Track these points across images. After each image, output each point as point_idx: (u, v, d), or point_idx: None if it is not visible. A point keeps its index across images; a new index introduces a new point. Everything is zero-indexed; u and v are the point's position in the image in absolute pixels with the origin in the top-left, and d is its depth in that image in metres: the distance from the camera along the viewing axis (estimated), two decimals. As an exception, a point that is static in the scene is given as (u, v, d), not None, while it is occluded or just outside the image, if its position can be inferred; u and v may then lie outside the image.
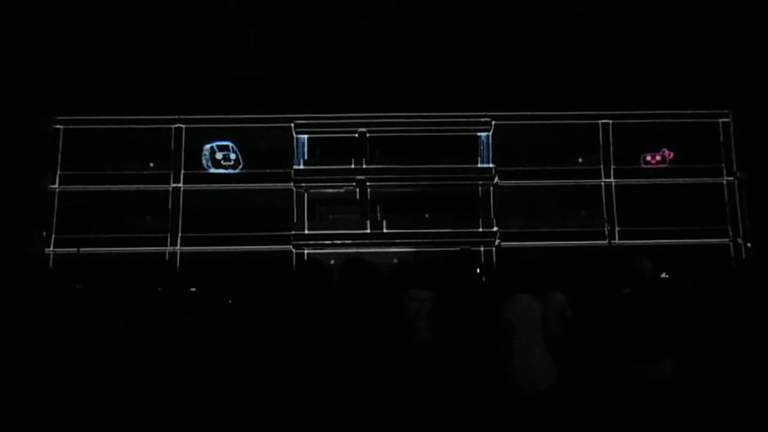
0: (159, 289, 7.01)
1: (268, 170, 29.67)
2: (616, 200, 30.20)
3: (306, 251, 28.44)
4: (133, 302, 5.87)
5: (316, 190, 30.15)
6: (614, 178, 30.40)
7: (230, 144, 29.94)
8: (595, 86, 30.52)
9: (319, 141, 30.68)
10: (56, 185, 29.50)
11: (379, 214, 30.05)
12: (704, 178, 29.90)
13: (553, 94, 30.25)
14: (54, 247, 28.61)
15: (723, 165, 30.46)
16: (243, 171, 29.80)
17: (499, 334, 4.29)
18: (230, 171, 29.84)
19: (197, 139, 29.97)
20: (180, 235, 29.43)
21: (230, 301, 5.66)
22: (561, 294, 6.52)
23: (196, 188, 29.70)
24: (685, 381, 4.50)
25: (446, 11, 36.33)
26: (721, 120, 30.78)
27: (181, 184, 29.93)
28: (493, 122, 30.21)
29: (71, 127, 29.90)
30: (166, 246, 29.05)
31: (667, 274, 8.79)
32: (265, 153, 29.54)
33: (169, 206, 29.68)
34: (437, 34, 35.04)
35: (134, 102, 29.37)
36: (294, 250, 28.48)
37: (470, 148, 30.35)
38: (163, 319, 5.75)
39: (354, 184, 29.59)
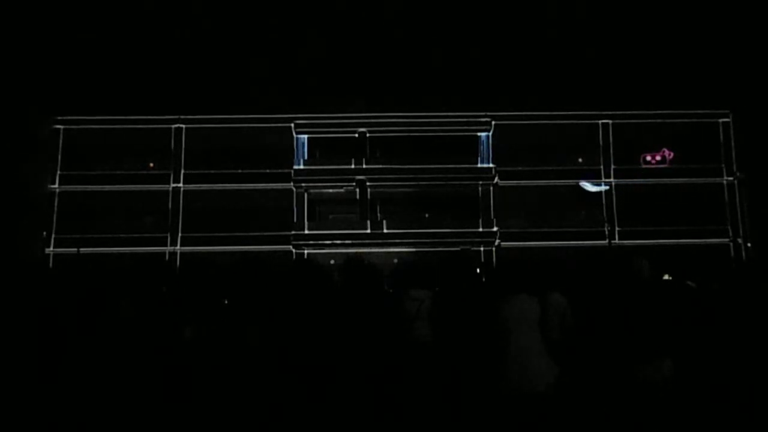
0: (163, 289, 6.95)
1: (268, 170, 29.66)
2: (616, 200, 30.19)
3: (306, 251, 28.41)
4: (134, 302, 5.85)
5: (316, 190, 30.13)
6: (614, 178, 30.39)
7: None
8: (595, 86, 30.48)
9: (319, 141, 30.67)
10: (56, 185, 29.48)
11: (379, 214, 30.02)
12: (704, 178, 29.88)
13: (553, 94, 30.22)
14: (54, 247, 28.60)
15: (723, 165, 30.44)
16: (243, 171, 29.76)
17: (497, 334, 4.29)
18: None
19: (197, 139, 29.95)
20: (180, 235, 29.42)
21: (227, 302, 5.63)
22: (561, 296, 6.48)
23: (196, 188, 29.69)
24: (684, 381, 4.50)
25: (446, 11, 36.33)
26: (721, 120, 30.76)
27: (181, 184, 29.91)
28: (493, 122, 30.19)
29: (71, 127, 29.89)
30: (166, 246, 29.04)
31: (670, 276, 8.74)
32: (265, 153, 29.55)
33: (169, 206, 29.66)
34: (437, 34, 35.04)
35: (134, 102, 29.34)
36: (294, 250, 28.46)
37: (470, 148, 30.33)
38: (164, 319, 5.74)
39: (354, 184, 29.57)
